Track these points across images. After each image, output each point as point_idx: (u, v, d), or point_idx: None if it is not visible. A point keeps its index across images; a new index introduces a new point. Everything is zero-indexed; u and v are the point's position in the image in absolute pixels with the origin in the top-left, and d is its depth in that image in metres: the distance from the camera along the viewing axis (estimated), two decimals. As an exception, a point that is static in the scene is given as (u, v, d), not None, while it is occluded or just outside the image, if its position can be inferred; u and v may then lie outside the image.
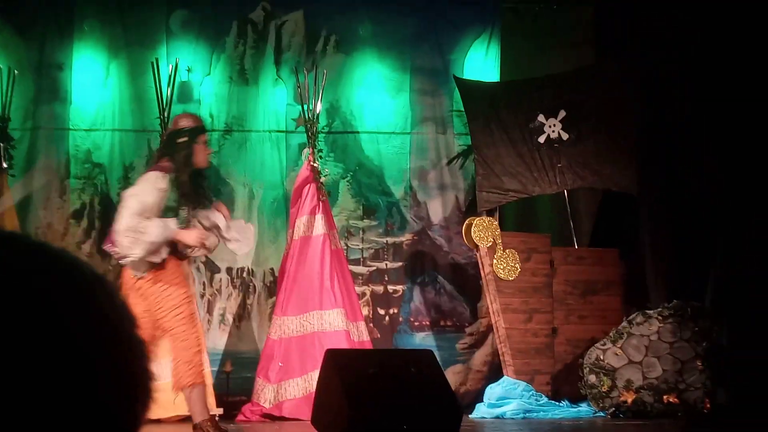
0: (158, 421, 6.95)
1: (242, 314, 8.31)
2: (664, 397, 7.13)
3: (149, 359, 0.88)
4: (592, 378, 7.31)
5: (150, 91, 7.94)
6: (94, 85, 8.32)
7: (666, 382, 7.16)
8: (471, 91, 8.37)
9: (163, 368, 7.03)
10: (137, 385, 0.85)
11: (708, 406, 7.04)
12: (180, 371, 5.19)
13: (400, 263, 8.58)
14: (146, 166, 8.18)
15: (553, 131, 8.24)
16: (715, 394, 7.08)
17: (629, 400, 7.17)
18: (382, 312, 8.52)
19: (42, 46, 8.24)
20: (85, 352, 0.80)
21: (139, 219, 4.98)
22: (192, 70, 8.40)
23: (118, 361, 0.82)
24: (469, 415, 7.40)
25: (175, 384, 5.22)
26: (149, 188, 5.08)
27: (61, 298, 0.81)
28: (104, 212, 8.23)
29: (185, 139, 5.27)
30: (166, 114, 7.69)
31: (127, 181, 8.28)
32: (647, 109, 7.93)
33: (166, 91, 7.71)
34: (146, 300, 5.21)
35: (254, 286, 8.36)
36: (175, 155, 5.24)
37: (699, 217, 7.44)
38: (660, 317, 7.30)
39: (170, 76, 7.75)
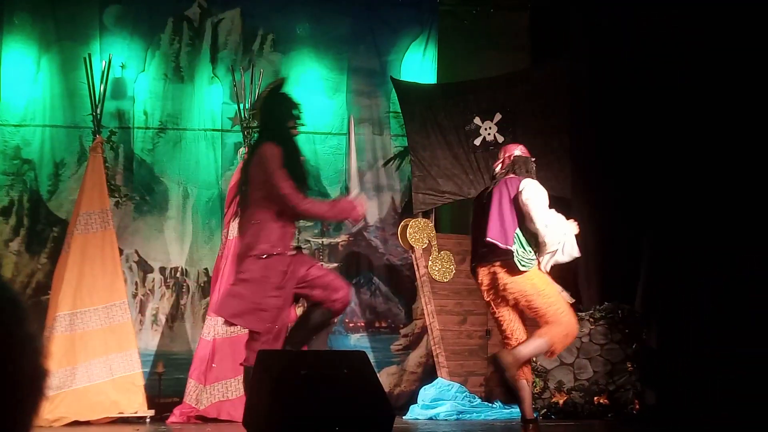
0: (88, 423, 6.84)
1: (175, 314, 8.22)
2: (595, 398, 7.23)
3: (44, 356, 0.85)
4: (525, 379, 7.36)
5: (82, 86, 7.81)
6: (24, 80, 8.15)
7: (597, 384, 7.25)
8: (408, 92, 8.39)
9: (95, 370, 6.95)
10: (24, 382, 0.82)
11: (637, 407, 7.15)
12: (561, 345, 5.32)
13: (336, 264, 8.57)
14: (78, 164, 8.04)
15: (489, 134, 8.30)
16: (644, 395, 7.20)
17: (560, 402, 7.25)
18: (317, 313, 8.49)
19: (-31, 40, 8.05)
20: None
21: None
22: (126, 67, 8.28)
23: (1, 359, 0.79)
24: (403, 417, 7.42)
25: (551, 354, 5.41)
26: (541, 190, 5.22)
27: None
28: (33, 209, 8.06)
29: None
30: (98, 110, 7.56)
31: (57, 178, 8.12)
32: (580, 113, 8.04)
33: (98, 87, 7.59)
34: (522, 292, 5.20)
35: (188, 287, 8.27)
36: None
37: (629, 220, 7.56)
38: (591, 319, 7.39)
39: (103, 72, 7.63)
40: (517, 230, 5.20)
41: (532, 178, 5.35)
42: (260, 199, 4.67)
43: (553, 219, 5.25)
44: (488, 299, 5.36)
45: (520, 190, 5.23)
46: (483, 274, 5.33)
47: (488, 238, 5.20)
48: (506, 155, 5.54)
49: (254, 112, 5.10)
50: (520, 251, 5.20)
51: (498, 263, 5.24)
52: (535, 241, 5.24)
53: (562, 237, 5.22)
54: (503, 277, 5.24)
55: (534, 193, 5.20)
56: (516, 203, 5.24)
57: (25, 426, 0.83)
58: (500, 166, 5.53)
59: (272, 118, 4.92)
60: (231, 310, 4.71)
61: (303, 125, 5.00)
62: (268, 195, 4.64)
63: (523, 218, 5.21)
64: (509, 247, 5.17)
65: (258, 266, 4.62)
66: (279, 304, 4.67)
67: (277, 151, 4.69)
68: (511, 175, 5.39)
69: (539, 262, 5.28)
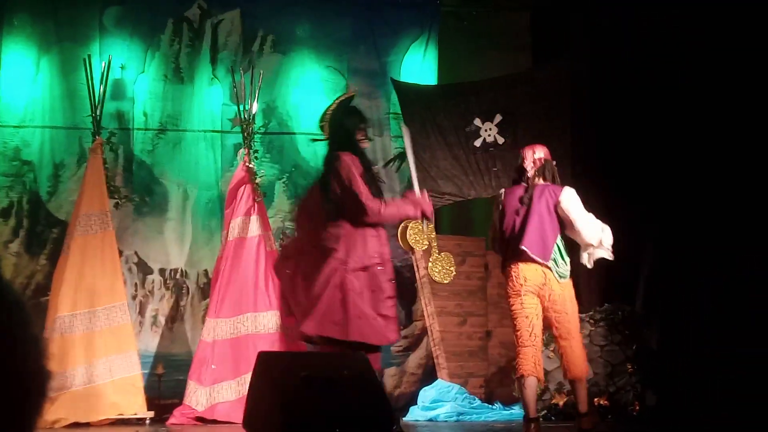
0: (87, 425, 6.83)
1: (175, 316, 8.21)
2: (595, 399, 7.22)
3: (46, 358, 0.85)
4: (525, 381, 7.35)
5: (82, 88, 7.80)
6: (23, 81, 8.14)
7: (597, 385, 7.25)
8: (408, 93, 8.38)
9: (94, 371, 6.94)
10: (27, 383, 0.82)
11: (637, 408, 7.14)
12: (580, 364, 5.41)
13: (336, 265, 8.56)
14: (77, 165, 8.04)
15: (489, 135, 8.28)
16: (645, 396, 7.19)
17: (560, 403, 7.24)
18: (316, 314, 8.48)
19: (-32, 41, 8.04)
20: None
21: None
22: (126, 68, 8.27)
23: (4, 360, 0.79)
24: (403, 418, 7.41)
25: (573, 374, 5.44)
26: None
27: None
28: (33, 211, 8.05)
29: None
30: (98, 111, 7.55)
31: (56, 179, 8.12)
32: (581, 114, 8.04)
33: (98, 89, 7.58)
34: (563, 303, 5.33)
35: (188, 288, 8.26)
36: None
37: (630, 221, 7.55)
38: (591, 321, 7.39)
39: (103, 73, 7.62)
40: (557, 240, 5.28)
41: (563, 185, 5.44)
42: (345, 211, 4.73)
43: (590, 216, 5.38)
44: (522, 295, 5.37)
45: (559, 199, 5.30)
46: (530, 270, 5.34)
47: (523, 247, 5.24)
48: (536, 157, 5.55)
49: (323, 125, 5.10)
50: (559, 261, 5.29)
51: (547, 266, 5.31)
52: (578, 240, 5.30)
53: (599, 232, 5.32)
54: (552, 279, 5.30)
55: (576, 200, 5.33)
56: (557, 212, 5.31)
57: (29, 427, 0.83)
58: (531, 168, 5.54)
59: (342, 130, 4.96)
60: (336, 328, 4.69)
61: (371, 139, 5.05)
62: (348, 205, 4.69)
63: (563, 226, 5.29)
64: (545, 262, 5.25)
65: (361, 278, 4.66)
66: (393, 313, 4.75)
67: (356, 160, 4.76)
68: (546, 182, 5.44)
69: (584, 261, 5.41)
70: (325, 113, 5.17)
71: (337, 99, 5.25)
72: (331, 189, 4.78)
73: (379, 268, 4.71)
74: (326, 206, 4.86)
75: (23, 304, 0.86)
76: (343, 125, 4.99)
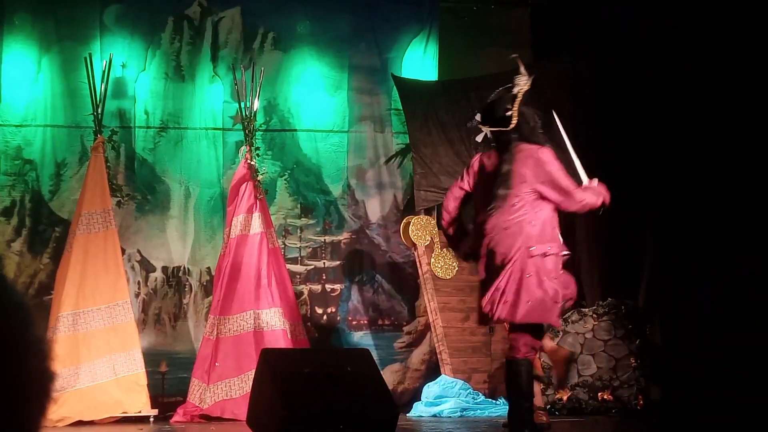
0: (91, 423, 6.84)
1: (178, 314, 8.22)
2: (599, 394, 7.22)
3: (51, 359, 0.85)
4: (528, 376, 7.36)
5: (83, 86, 7.80)
6: (24, 80, 8.14)
7: (600, 380, 7.25)
8: (409, 89, 8.38)
9: (98, 369, 6.95)
10: (32, 385, 0.82)
11: (641, 402, 7.14)
12: None
13: (338, 262, 8.56)
14: (79, 163, 8.03)
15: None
16: (648, 391, 7.19)
17: (564, 398, 7.24)
18: (320, 311, 8.49)
19: (-31, 40, 8.05)
20: None
21: None
22: (126, 66, 8.27)
23: (8, 362, 0.79)
24: (407, 414, 7.41)
25: None
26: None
27: None
28: (35, 210, 8.06)
29: None
30: (99, 110, 7.55)
31: (58, 178, 8.12)
32: (581, 109, 8.03)
33: (99, 87, 7.58)
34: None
35: (190, 286, 8.26)
36: None
37: (632, 215, 7.55)
38: (595, 315, 7.39)
39: (104, 72, 7.62)
40: None
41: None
42: (534, 200, 4.75)
43: None
44: None
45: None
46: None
47: None
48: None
49: (508, 114, 5.01)
50: None
51: None
52: None
53: None
54: None
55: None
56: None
57: (33, 428, 0.83)
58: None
59: (527, 124, 4.96)
60: (538, 311, 4.76)
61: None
62: (546, 195, 4.73)
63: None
64: None
65: (546, 263, 4.72)
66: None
67: (554, 154, 4.83)
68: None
69: None
70: (512, 103, 5.04)
71: (522, 92, 5.13)
72: (516, 177, 4.80)
73: (553, 255, 4.84)
74: (500, 190, 4.88)
75: (26, 306, 0.86)
76: (528, 121, 5.00)
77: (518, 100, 5.05)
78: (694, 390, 6.75)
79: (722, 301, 6.75)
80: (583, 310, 7.49)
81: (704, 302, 6.89)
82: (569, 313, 7.52)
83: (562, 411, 7.21)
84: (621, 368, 7.25)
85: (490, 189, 4.90)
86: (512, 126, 4.97)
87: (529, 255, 4.75)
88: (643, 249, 7.58)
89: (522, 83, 5.10)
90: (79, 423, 6.79)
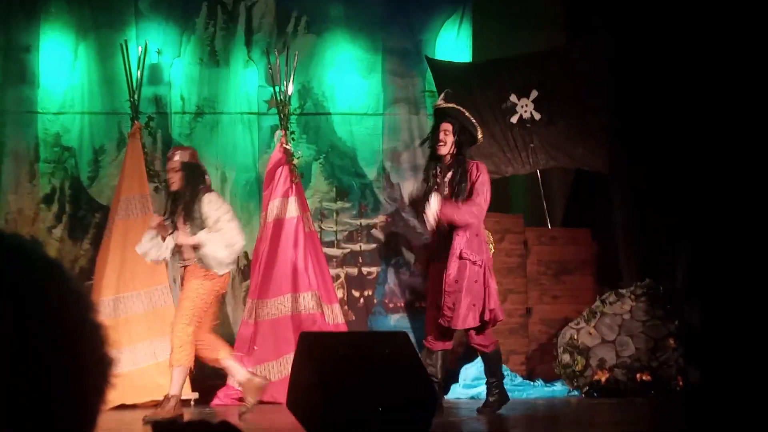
0: (134, 407, 6.92)
1: (216, 298, 8.26)
2: (637, 375, 7.19)
3: (108, 345, 0.86)
4: (566, 357, 7.35)
5: (120, 73, 7.85)
6: (62, 67, 8.21)
7: (639, 361, 7.21)
8: (443, 71, 8.35)
9: (138, 354, 7.03)
10: (91, 371, 0.83)
11: (680, 384, 7.10)
12: None
13: (374, 245, 8.57)
14: (117, 149, 8.12)
15: (526, 111, 8.24)
16: (687, 372, 7.14)
17: (603, 379, 7.22)
18: (356, 294, 8.51)
19: (7, 29, 8.12)
20: (36, 341, 0.78)
21: None
22: (162, 52, 8.32)
23: (69, 349, 0.81)
24: (445, 396, 7.42)
25: None
26: None
27: (11, 286, 0.79)
28: (75, 196, 8.15)
29: None
30: (136, 96, 7.61)
31: (97, 164, 8.20)
32: (617, 90, 7.96)
33: (135, 74, 7.63)
34: None
35: (228, 270, 8.30)
36: None
37: (670, 196, 7.49)
38: (633, 296, 7.35)
39: (140, 58, 7.67)
40: None
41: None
42: None
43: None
44: None
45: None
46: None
47: None
48: None
49: None
50: None
51: None
52: None
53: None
54: None
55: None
56: None
57: (94, 414, 0.85)
58: None
59: None
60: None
61: None
62: None
63: None
64: None
65: None
66: None
67: None
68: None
69: None
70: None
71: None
72: None
73: None
74: None
75: (84, 292, 0.88)
76: None
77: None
78: (734, 372, 6.69)
79: (762, 281, 6.67)
80: (621, 291, 7.45)
81: (744, 283, 6.82)
82: (606, 295, 7.49)
83: (601, 392, 7.19)
84: (660, 349, 7.21)
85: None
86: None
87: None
88: (681, 229, 7.51)
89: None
90: (122, 407, 6.88)
